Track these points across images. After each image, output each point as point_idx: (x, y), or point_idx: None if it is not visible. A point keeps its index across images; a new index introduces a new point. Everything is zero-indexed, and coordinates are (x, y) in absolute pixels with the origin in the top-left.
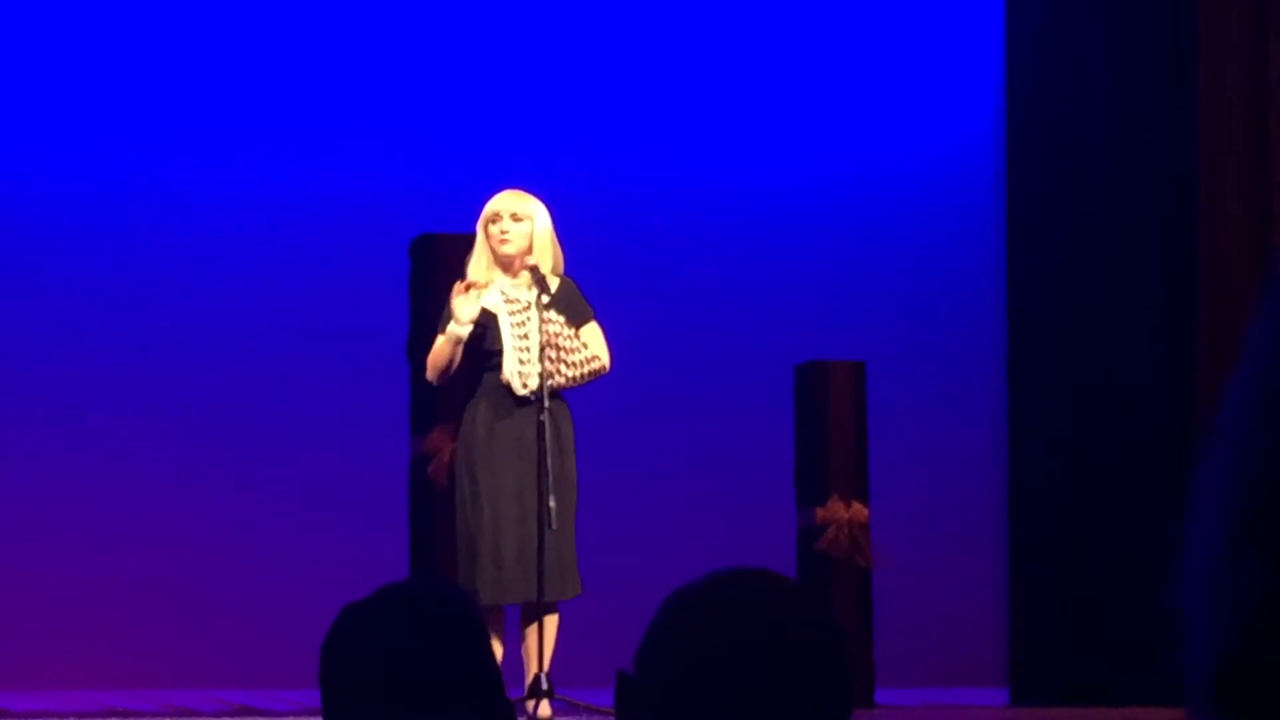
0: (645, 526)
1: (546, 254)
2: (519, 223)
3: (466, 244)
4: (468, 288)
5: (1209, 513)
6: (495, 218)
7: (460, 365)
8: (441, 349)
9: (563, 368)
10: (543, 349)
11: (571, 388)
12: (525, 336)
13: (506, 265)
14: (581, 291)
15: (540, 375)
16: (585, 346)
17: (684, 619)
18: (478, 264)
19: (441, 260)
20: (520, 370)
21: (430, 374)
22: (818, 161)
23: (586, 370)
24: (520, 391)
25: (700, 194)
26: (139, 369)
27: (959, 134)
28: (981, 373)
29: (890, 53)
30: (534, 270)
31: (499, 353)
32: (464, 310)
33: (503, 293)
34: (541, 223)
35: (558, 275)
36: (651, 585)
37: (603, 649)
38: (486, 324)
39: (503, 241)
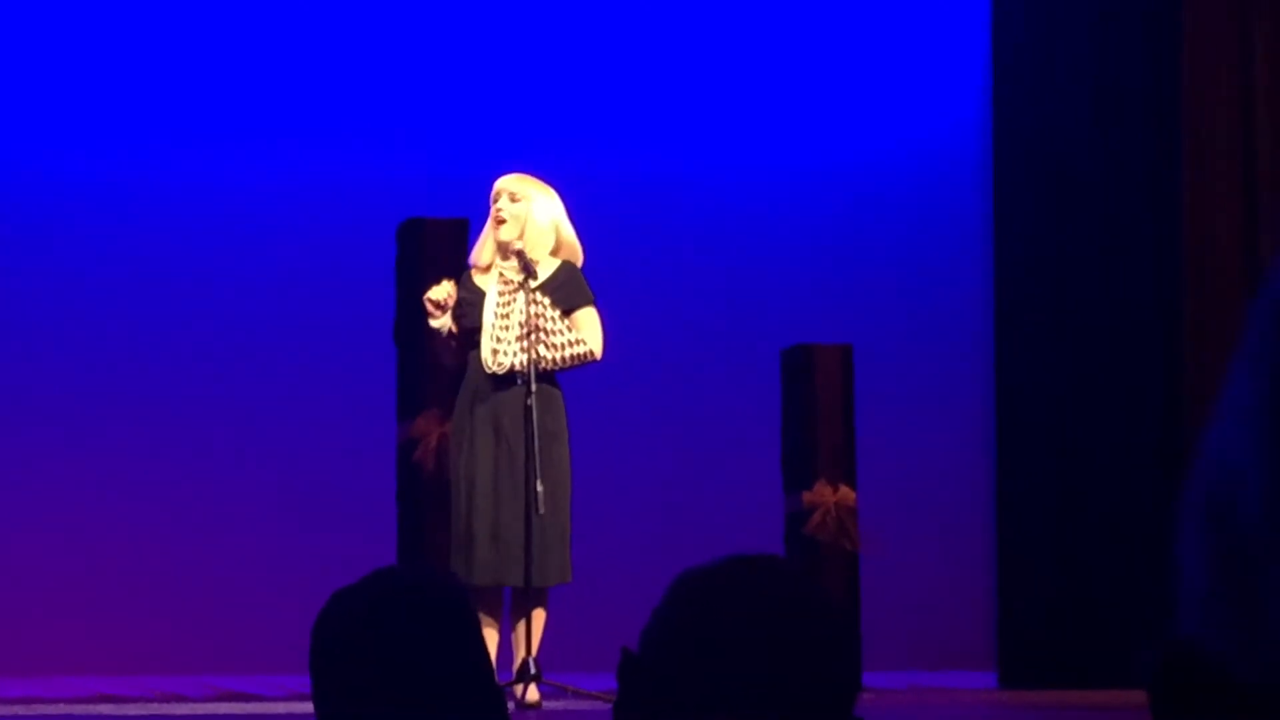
0: (631, 511)
1: (541, 239)
2: (515, 203)
3: (454, 229)
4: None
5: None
6: (495, 196)
7: (457, 349)
8: (432, 343)
9: (542, 349)
10: (526, 331)
11: (554, 371)
12: (506, 316)
13: (503, 248)
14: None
15: (517, 359)
16: (570, 330)
17: (692, 601)
18: (482, 247)
19: (428, 245)
20: (494, 348)
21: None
22: (806, 150)
23: (568, 354)
24: (489, 369)
25: (689, 180)
26: (126, 357)
27: (946, 125)
28: (969, 356)
29: (879, 42)
30: (520, 255)
31: (479, 330)
32: (435, 292)
33: (500, 274)
34: (541, 208)
35: (574, 260)
36: (638, 570)
37: (590, 633)
38: (474, 303)
39: (498, 221)
